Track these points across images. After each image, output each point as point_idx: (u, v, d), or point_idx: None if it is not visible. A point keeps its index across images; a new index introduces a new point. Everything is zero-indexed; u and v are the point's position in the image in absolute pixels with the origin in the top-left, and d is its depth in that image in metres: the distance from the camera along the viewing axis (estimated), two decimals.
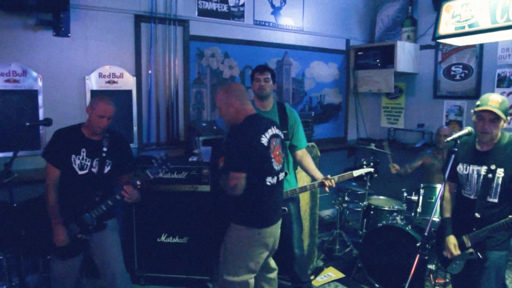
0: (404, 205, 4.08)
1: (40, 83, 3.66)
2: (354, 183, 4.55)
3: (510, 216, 2.32)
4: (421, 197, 3.89)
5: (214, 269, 3.69)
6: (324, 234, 5.04)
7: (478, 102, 2.47)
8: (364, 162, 3.47)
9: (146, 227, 3.69)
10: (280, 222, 2.85)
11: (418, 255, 2.28)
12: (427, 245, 3.48)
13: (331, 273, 4.11)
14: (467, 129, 2.54)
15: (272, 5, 4.99)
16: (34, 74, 3.63)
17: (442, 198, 2.76)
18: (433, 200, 3.80)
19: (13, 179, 2.80)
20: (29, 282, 3.37)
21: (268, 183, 2.63)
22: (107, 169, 2.87)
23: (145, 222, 3.69)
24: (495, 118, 2.39)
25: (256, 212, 2.66)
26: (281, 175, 2.78)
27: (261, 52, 4.94)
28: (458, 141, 2.51)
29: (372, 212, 4.15)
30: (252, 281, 2.74)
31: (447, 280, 3.69)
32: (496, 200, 2.48)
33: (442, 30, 3.49)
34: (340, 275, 4.08)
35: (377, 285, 3.75)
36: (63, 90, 3.77)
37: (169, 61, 4.27)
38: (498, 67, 4.59)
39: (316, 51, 5.43)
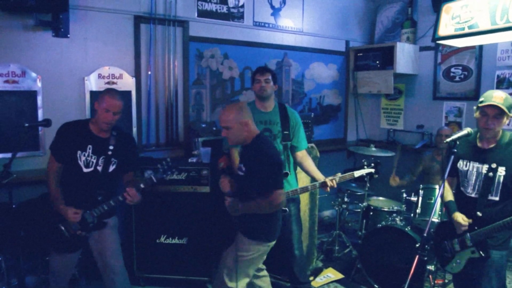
0: (403, 206, 4.08)
1: (39, 84, 3.66)
2: (353, 184, 4.55)
3: None
4: (420, 198, 3.89)
5: (213, 270, 3.69)
6: (323, 235, 5.04)
7: (481, 99, 2.48)
8: (365, 163, 3.48)
9: (145, 228, 3.69)
10: None
11: (417, 256, 2.27)
12: (426, 246, 3.47)
13: (331, 274, 4.11)
14: (466, 130, 2.54)
15: (272, 6, 4.99)
16: (33, 74, 3.62)
17: (441, 197, 2.76)
18: (433, 201, 3.79)
19: (12, 180, 2.80)
20: (28, 283, 3.37)
21: None
22: (112, 167, 2.86)
23: (145, 223, 3.68)
24: (499, 113, 2.40)
25: (271, 227, 2.78)
26: None
27: (261, 53, 4.94)
28: (458, 142, 2.51)
29: (371, 213, 4.15)
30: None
31: (446, 280, 3.69)
32: (497, 199, 2.49)
33: (441, 32, 3.50)
34: (340, 276, 4.07)
35: (376, 286, 3.75)
36: (63, 91, 3.77)
37: (168, 62, 4.26)
38: (497, 69, 4.60)
39: (316, 52, 5.43)
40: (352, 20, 5.77)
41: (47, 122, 2.96)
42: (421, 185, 3.98)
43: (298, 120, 3.47)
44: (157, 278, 3.74)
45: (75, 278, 3.53)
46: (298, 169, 3.53)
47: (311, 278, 3.93)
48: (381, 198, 4.54)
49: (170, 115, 4.33)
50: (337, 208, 4.60)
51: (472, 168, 2.57)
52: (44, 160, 3.57)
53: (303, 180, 3.77)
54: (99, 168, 2.81)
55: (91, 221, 2.78)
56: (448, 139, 2.50)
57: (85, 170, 2.79)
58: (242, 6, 4.74)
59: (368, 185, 4.20)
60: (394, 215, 3.99)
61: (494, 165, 2.47)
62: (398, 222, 3.81)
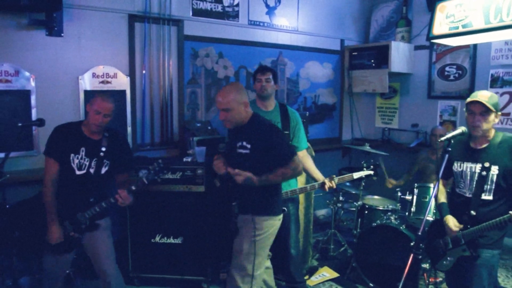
0: (398, 204, 4.09)
1: (32, 83, 3.63)
2: (348, 183, 4.56)
3: (510, 212, 2.32)
4: (415, 197, 3.90)
5: (208, 269, 3.69)
6: (318, 234, 5.05)
7: (468, 98, 2.53)
8: (364, 165, 3.50)
9: (140, 227, 3.67)
10: None
11: (412, 255, 2.29)
12: (421, 245, 3.48)
13: (326, 273, 4.11)
14: (460, 129, 2.55)
15: (267, 5, 4.99)
16: (27, 74, 3.60)
17: (436, 197, 2.78)
18: (427, 200, 3.81)
19: (5, 180, 2.79)
20: (23, 283, 3.35)
21: None
22: (104, 169, 2.86)
23: (139, 222, 3.67)
24: (485, 111, 2.43)
25: (278, 200, 2.82)
26: None
27: (256, 52, 4.94)
28: (452, 141, 2.52)
29: (366, 212, 4.16)
30: None
31: (441, 279, 3.71)
32: (490, 198, 2.50)
33: (436, 31, 3.51)
34: (335, 274, 4.08)
35: (371, 285, 3.76)
36: (56, 90, 3.75)
37: (163, 61, 4.25)
38: (491, 68, 4.62)
39: (311, 51, 5.44)
40: (347, 19, 5.78)
41: (40, 122, 2.95)
42: (415, 184, 4.00)
43: (298, 120, 3.48)
44: (152, 278, 3.73)
45: (70, 278, 3.52)
46: None
47: (307, 277, 3.94)
48: (376, 197, 4.55)
49: (165, 115, 4.32)
50: (332, 207, 4.61)
51: (466, 168, 2.59)
52: (37, 160, 3.55)
53: (299, 181, 3.77)
54: (92, 171, 2.81)
55: (84, 222, 2.77)
56: (443, 138, 2.52)
57: (77, 172, 2.78)
58: (237, 5, 4.73)
59: (363, 184, 4.21)
60: (389, 213, 4.00)
61: (487, 165, 2.49)
62: (393, 220, 3.83)
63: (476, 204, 2.53)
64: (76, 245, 2.86)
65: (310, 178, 3.54)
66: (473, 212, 2.53)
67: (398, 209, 4.06)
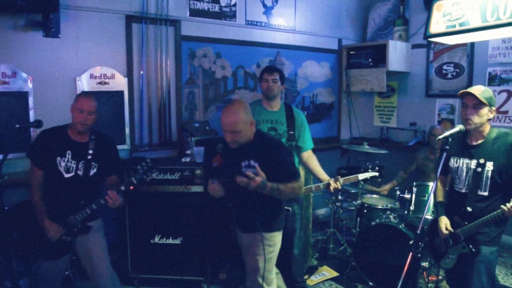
0: (397, 203, 4.10)
1: (30, 85, 3.63)
2: (347, 182, 4.55)
3: (502, 206, 2.33)
4: (413, 195, 3.91)
5: (208, 269, 3.69)
6: (318, 233, 5.05)
7: (461, 91, 2.57)
8: (370, 166, 3.50)
9: (139, 228, 3.67)
10: None
11: (411, 253, 2.29)
12: (420, 243, 3.49)
13: (325, 272, 4.11)
14: (458, 127, 2.56)
15: (264, 5, 4.99)
16: (24, 75, 3.59)
17: (434, 194, 2.79)
18: (426, 198, 3.82)
19: (3, 182, 2.78)
20: (22, 285, 3.34)
21: None
22: (92, 171, 2.85)
23: (138, 223, 3.67)
24: (477, 103, 2.45)
25: (283, 215, 2.81)
26: None
27: (254, 52, 4.94)
28: (450, 139, 2.53)
29: (365, 211, 4.16)
30: None
31: (440, 277, 3.71)
32: (486, 194, 2.51)
33: (433, 29, 3.51)
34: (334, 273, 4.08)
35: (371, 283, 3.77)
36: (54, 92, 3.74)
37: (160, 62, 4.25)
38: (488, 66, 4.63)
39: (309, 51, 5.44)
40: (345, 18, 5.78)
41: (38, 123, 2.94)
42: (414, 183, 4.00)
43: (304, 120, 3.49)
44: (151, 279, 3.73)
45: (69, 279, 3.51)
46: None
47: (306, 276, 3.94)
48: (375, 195, 4.55)
49: (163, 115, 4.32)
50: (331, 206, 4.61)
51: (462, 164, 2.61)
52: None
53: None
54: (80, 173, 2.81)
55: (75, 225, 2.76)
56: (440, 136, 2.52)
57: (66, 175, 2.78)
58: (234, 5, 4.73)
59: (362, 183, 4.21)
60: (388, 212, 4.00)
61: (482, 160, 2.50)
62: (392, 219, 3.83)
63: (472, 200, 2.55)
64: (69, 249, 2.85)
65: (315, 178, 3.54)
66: (469, 208, 2.55)
67: (397, 208, 4.06)
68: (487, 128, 2.54)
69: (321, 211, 5.83)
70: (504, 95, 4.50)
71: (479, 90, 2.48)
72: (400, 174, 4.60)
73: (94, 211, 2.78)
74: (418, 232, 2.34)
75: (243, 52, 4.84)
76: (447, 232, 2.62)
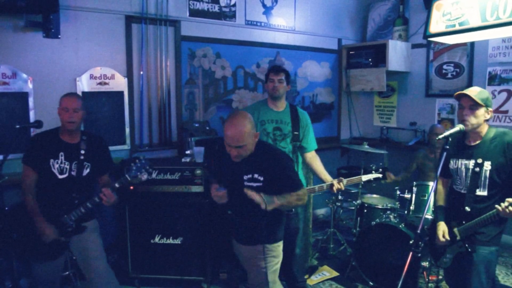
0: (397, 203, 4.10)
1: (30, 85, 3.63)
2: (350, 184, 4.56)
3: (496, 206, 2.33)
4: (414, 195, 3.90)
5: (208, 269, 3.68)
6: (318, 233, 5.05)
7: (457, 92, 2.58)
8: (373, 167, 3.50)
9: (139, 228, 3.67)
10: None
11: (411, 253, 2.29)
12: (420, 243, 3.49)
13: (326, 272, 4.11)
14: (458, 127, 2.56)
15: (264, 5, 4.99)
16: (24, 76, 3.60)
17: (434, 193, 2.80)
18: (426, 198, 3.81)
19: (3, 182, 2.78)
20: (22, 285, 3.34)
21: None
22: (86, 171, 2.87)
23: (139, 223, 3.67)
24: (473, 105, 2.46)
25: (283, 224, 2.74)
26: None
27: (253, 52, 4.94)
28: (450, 139, 2.53)
29: (365, 211, 4.16)
30: None
31: (440, 277, 3.71)
32: (485, 193, 2.51)
33: (433, 29, 3.51)
34: (335, 273, 4.08)
35: (371, 283, 3.76)
36: (54, 92, 3.73)
37: (160, 62, 4.25)
38: (488, 65, 4.63)
39: (308, 51, 5.44)
40: (344, 18, 5.78)
41: (38, 124, 2.95)
42: (414, 182, 4.00)
43: (308, 121, 3.51)
44: (151, 278, 3.72)
45: (70, 279, 3.51)
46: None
47: (306, 276, 3.94)
48: (375, 195, 4.55)
49: (163, 115, 4.32)
50: (331, 206, 4.61)
51: (461, 165, 2.61)
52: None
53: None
54: (73, 173, 2.82)
55: (70, 225, 2.76)
56: (440, 136, 2.52)
57: (60, 176, 2.79)
58: (234, 5, 4.73)
59: (362, 183, 4.21)
60: (388, 212, 4.00)
61: (480, 160, 2.51)
62: (392, 219, 3.83)
63: (471, 200, 2.55)
64: (64, 250, 2.85)
65: (316, 178, 3.55)
66: (467, 208, 2.55)
67: (397, 208, 4.06)
68: (484, 129, 2.55)
69: (321, 211, 5.83)
70: (504, 95, 4.50)
71: (475, 91, 2.50)
72: (403, 173, 4.59)
73: (89, 209, 2.79)
74: (418, 231, 2.34)
75: (242, 52, 4.84)
76: (443, 239, 2.63)
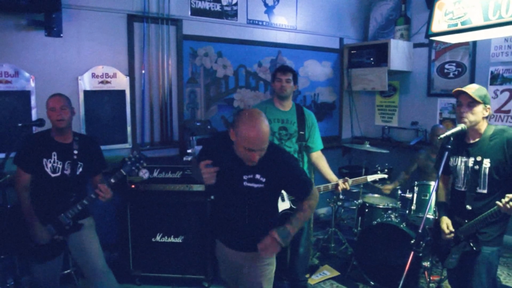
0: (398, 202, 4.09)
1: (32, 84, 3.64)
2: (355, 184, 4.55)
3: (497, 202, 2.32)
4: (415, 195, 3.90)
5: (209, 267, 3.69)
6: (319, 232, 5.05)
7: (455, 89, 2.59)
8: (379, 168, 3.50)
9: (141, 227, 3.68)
10: None
11: (412, 252, 2.28)
12: (421, 242, 3.50)
13: (327, 271, 4.11)
14: (460, 126, 2.55)
15: (265, 4, 4.99)
16: (27, 74, 3.60)
17: (436, 192, 2.80)
18: (427, 198, 3.81)
19: (6, 181, 2.79)
20: (24, 283, 3.35)
21: None
22: (79, 170, 2.89)
23: (140, 222, 3.68)
24: (471, 102, 2.48)
25: None
26: None
27: (255, 51, 4.94)
28: (451, 138, 2.53)
29: (366, 210, 4.16)
30: None
31: (442, 277, 3.71)
32: (485, 191, 2.51)
33: (435, 28, 3.50)
34: (336, 273, 4.08)
35: (372, 283, 3.77)
36: (56, 91, 3.65)
37: (162, 61, 4.25)
38: (491, 65, 4.61)
39: (310, 50, 5.43)
40: (346, 17, 5.77)
41: (40, 122, 2.98)
42: (416, 182, 3.99)
43: (314, 121, 3.53)
44: (153, 277, 3.73)
45: (71, 277, 3.52)
46: None
47: (307, 275, 3.94)
48: (376, 195, 4.55)
49: (165, 114, 4.33)
50: (332, 206, 4.61)
51: (460, 163, 2.61)
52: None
53: None
54: (67, 172, 2.84)
55: (67, 223, 2.77)
56: (442, 136, 2.52)
57: (52, 175, 2.81)
58: (236, 4, 4.73)
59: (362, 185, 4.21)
60: (389, 212, 4.00)
61: (479, 158, 2.51)
62: (393, 219, 3.82)
63: (471, 198, 2.54)
64: (62, 249, 2.86)
65: (322, 178, 3.56)
66: (468, 207, 2.55)
67: (399, 207, 4.06)
68: (483, 126, 2.55)
69: (322, 210, 5.82)
70: (506, 94, 4.49)
71: (473, 88, 2.51)
72: (402, 175, 4.55)
73: (85, 206, 2.80)
74: (420, 231, 2.34)
75: (244, 51, 4.84)
76: (448, 231, 2.62)
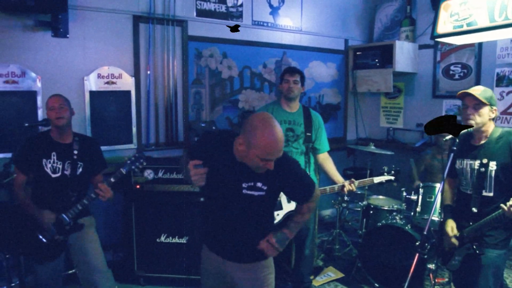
0: (403, 204, 4.08)
1: (39, 84, 3.66)
2: (362, 185, 4.53)
3: (501, 205, 2.31)
4: (420, 197, 3.88)
5: None
6: (323, 234, 5.04)
7: (460, 91, 2.57)
8: (386, 170, 3.50)
9: (145, 227, 3.69)
10: None
11: (417, 255, 2.28)
12: (426, 244, 3.47)
13: (331, 273, 4.11)
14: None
15: (271, 5, 4.99)
16: (33, 75, 3.63)
17: (442, 194, 2.79)
18: (432, 199, 3.79)
19: (12, 180, 2.80)
20: (29, 282, 3.37)
21: None
22: (79, 170, 2.90)
23: (145, 222, 3.69)
24: (477, 104, 2.47)
25: None
26: None
27: (260, 52, 4.94)
28: (457, 140, 2.52)
29: (371, 212, 4.15)
30: None
31: (447, 279, 3.69)
32: (491, 194, 2.49)
33: (440, 29, 3.49)
34: (340, 274, 4.07)
35: (376, 285, 3.75)
36: (62, 91, 3.70)
37: (167, 62, 4.27)
38: (497, 66, 4.59)
39: (315, 51, 5.43)
40: (351, 18, 5.77)
41: (47, 122, 2.98)
42: (421, 184, 3.98)
43: (321, 123, 3.54)
44: (157, 277, 3.74)
45: (75, 277, 3.53)
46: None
47: (312, 277, 3.93)
48: (381, 196, 4.53)
49: (170, 115, 4.34)
50: (337, 207, 4.60)
51: (466, 166, 2.60)
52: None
53: None
54: (67, 173, 2.86)
55: (67, 223, 2.77)
56: (448, 137, 2.51)
57: (53, 176, 2.83)
58: (241, 5, 4.74)
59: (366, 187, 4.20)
60: (394, 213, 3.99)
61: (485, 161, 2.49)
62: (398, 220, 3.81)
63: (477, 201, 2.53)
64: (63, 248, 2.86)
65: (327, 180, 3.56)
66: (474, 209, 2.53)
67: (404, 209, 4.05)
68: (490, 128, 2.54)
69: (327, 212, 5.82)
70: None
71: (478, 90, 2.50)
72: (413, 175, 4.53)
73: (85, 206, 2.81)
74: (425, 233, 2.33)
75: (249, 52, 4.85)
76: (453, 234, 2.61)
